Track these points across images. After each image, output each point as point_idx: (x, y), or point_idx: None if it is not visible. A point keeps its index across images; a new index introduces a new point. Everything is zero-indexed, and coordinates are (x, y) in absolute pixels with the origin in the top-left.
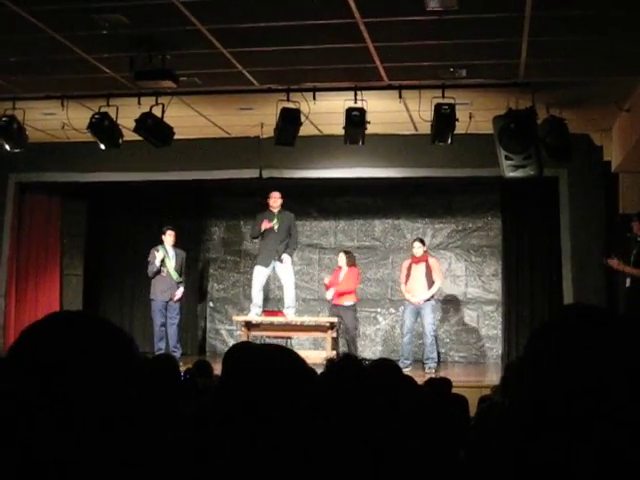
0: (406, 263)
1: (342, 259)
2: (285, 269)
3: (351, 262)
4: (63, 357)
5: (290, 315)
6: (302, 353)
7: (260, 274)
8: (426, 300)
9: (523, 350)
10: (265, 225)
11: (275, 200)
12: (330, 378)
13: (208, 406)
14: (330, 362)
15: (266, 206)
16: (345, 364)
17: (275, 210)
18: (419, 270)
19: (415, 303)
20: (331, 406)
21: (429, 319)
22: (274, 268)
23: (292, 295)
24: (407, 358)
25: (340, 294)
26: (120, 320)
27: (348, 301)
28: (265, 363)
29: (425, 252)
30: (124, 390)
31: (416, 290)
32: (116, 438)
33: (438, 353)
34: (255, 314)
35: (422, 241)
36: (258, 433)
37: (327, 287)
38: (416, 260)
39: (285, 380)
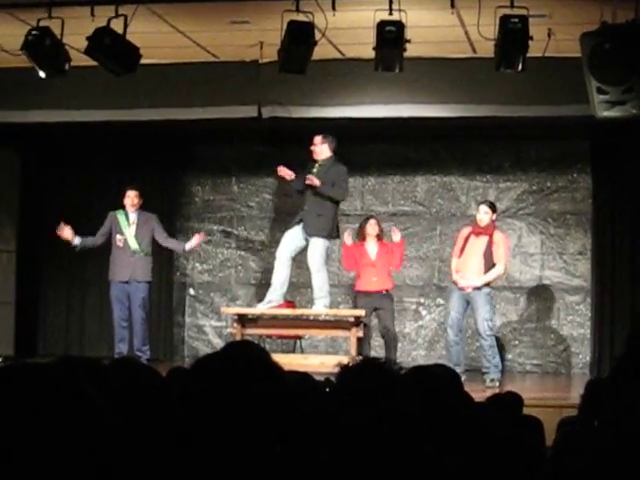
0: (465, 231)
1: (373, 228)
2: (310, 246)
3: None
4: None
5: (319, 309)
6: (316, 359)
7: (287, 238)
8: (477, 288)
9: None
10: (286, 173)
11: (316, 147)
12: (340, 394)
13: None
14: (343, 369)
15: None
16: (365, 372)
17: (318, 160)
18: (477, 245)
19: (463, 288)
20: (341, 438)
21: (483, 313)
22: (307, 239)
23: (318, 282)
24: (457, 364)
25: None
26: (67, 313)
27: (387, 285)
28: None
29: (492, 222)
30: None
31: (467, 271)
32: None
33: (502, 360)
34: (267, 303)
35: (492, 206)
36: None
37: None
38: (477, 231)
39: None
